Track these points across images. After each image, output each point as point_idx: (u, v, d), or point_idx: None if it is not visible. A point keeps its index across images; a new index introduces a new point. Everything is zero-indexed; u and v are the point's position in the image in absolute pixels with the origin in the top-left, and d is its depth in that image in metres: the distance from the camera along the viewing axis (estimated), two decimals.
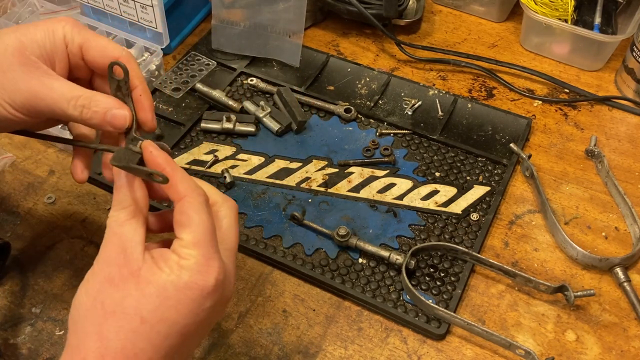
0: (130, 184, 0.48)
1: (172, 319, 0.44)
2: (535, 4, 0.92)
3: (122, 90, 0.51)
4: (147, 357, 0.43)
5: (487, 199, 0.77)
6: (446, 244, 0.71)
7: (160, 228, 0.52)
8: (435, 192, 0.77)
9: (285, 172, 0.79)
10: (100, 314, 0.44)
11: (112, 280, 0.44)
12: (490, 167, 0.80)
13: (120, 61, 0.49)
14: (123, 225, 0.46)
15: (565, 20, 0.92)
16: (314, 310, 0.68)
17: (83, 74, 0.55)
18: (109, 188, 0.77)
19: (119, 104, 0.51)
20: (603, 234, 0.75)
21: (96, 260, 0.46)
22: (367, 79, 0.91)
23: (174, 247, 0.46)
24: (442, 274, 0.70)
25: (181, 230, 0.46)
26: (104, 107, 0.50)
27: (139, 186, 0.48)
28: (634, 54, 0.86)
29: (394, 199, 0.77)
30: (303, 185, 0.78)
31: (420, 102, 0.88)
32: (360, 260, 0.71)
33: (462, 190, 0.78)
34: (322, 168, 0.80)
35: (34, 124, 0.56)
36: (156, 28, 0.87)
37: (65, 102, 0.50)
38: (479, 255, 0.70)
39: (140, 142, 0.50)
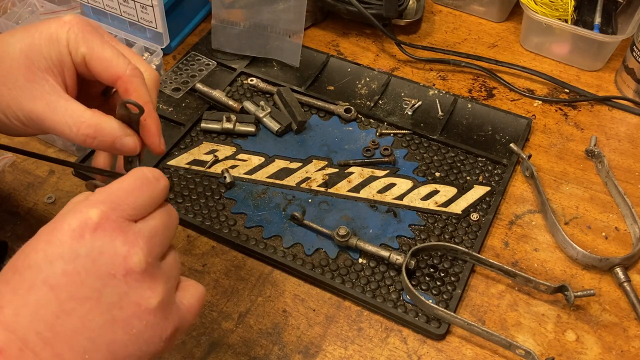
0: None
1: (37, 267, 0.39)
2: (535, 4, 0.92)
3: (131, 118, 0.48)
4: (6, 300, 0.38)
5: (487, 199, 0.77)
6: (446, 244, 0.71)
7: None
8: (435, 192, 0.77)
9: (285, 172, 0.79)
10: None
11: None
12: (490, 167, 0.80)
13: (134, 101, 0.46)
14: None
15: (565, 20, 0.92)
16: (314, 310, 0.68)
17: (94, 81, 0.51)
18: None
19: (127, 131, 0.48)
20: (603, 234, 0.75)
21: None
22: (367, 79, 0.91)
23: None
24: (442, 274, 0.70)
25: None
26: (112, 135, 0.48)
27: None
28: (634, 54, 0.86)
29: (394, 199, 0.77)
30: (303, 185, 0.78)
31: (420, 102, 0.88)
32: (360, 260, 0.71)
33: (462, 190, 0.78)
34: (322, 168, 0.80)
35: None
36: (156, 28, 0.87)
37: (67, 128, 0.47)
38: (479, 255, 0.70)
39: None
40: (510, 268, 0.68)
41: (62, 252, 0.39)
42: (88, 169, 0.51)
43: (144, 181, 0.44)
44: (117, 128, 0.48)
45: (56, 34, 0.49)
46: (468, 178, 0.79)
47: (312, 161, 0.81)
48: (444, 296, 0.68)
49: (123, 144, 0.48)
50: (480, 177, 0.79)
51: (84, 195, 0.44)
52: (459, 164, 0.81)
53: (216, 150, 0.82)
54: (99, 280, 0.40)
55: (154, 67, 0.89)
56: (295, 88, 0.89)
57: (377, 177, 0.79)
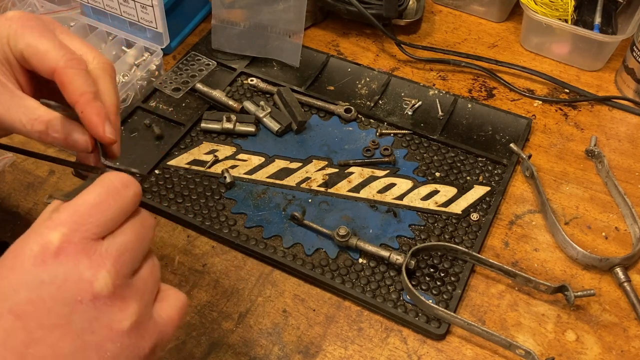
0: None
1: (2, 295, 0.38)
2: (535, 4, 0.92)
3: (69, 111, 0.47)
4: None
5: (487, 199, 0.77)
6: (446, 244, 0.71)
7: None
8: (435, 192, 0.77)
9: (285, 172, 0.79)
10: None
11: None
12: (490, 167, 0.80)
13: (44, 100, 0.45)
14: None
15: (565, 20, 0.92)
16: (314, 310, 0.68)
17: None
18: None
19: (75, 128, 0.47)
20: (603, 234, 0.75)
21: None
22: (367, 79, 0.91)
23: None
24: (442, 274, 0.70)
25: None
26: (64, 131, 0.46)
27: None
28: (634, 54, 0.86)
29: (394, 199, 0.77)
30: (303, 185, 0.78)
31: (420, 102, 0.88)
32: (360, 260, 0.71)
33: (462, 190, 0.78)
34: (322, 168, 0.80)
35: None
36: (156, 28, 0.87)
37: (22, 125, 0.47)
38: (479, 255, 0.70)
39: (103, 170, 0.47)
40: (510, 268, 0.68)
41: (26, 280, 0.38)
42: (87, 167, 0.50)
43: (110, 192, 0.41)
44: (68, 124, 0.47)
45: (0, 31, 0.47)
46: (468, 178, 0.79)
47: (312, 161, 0.81)
48: (444, 296, 0.68)
49: (75, 141, 0.47)
50: (480, 177, 0.79)
51: (51, 208, 0.42)
52: (459, 164, 0.81)
53: (216, 150, 0.82)
54: (66, 306, 0.38)
55: (154, 67, 0.89)
56: (295, 88, 0.89)
57: (377, 177, 0.79)
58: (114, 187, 0.42)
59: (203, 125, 0.83)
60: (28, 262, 0.38)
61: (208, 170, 0.79)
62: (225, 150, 0.82)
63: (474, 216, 0.75)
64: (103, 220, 0.40)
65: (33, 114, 0.46)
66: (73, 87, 0.46)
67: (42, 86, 0.51)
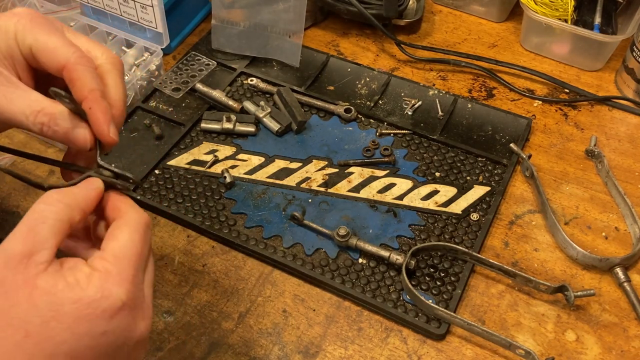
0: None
1: (61, 339, 0.39)
2: (535, 4, 0.92)
3: (77, 109, 0.46)
4: None
5: (487, 199, 0.77)
6: (446, 244, 0.71)
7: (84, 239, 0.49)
8: (435, 192, 0.77)
9: (285, 172, 0.79)
10: None
11: (3, 284, 0.40)
12: (490, 167, 0.80)
13: (55, 89, 0.44)
14: (45, 222, 0.43)
15: (565, 20, 0.92)
16: (314, 310, 0.68)
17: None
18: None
19: (77, 123, 0.47)
20: (603, 234, 0.75)
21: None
22: (367, 79, 0.91)
23: (91, 259, 0.43)
24: (442, 274, 0.70)
25: (107, 242, 0.43)
26: (65, 126, 0.46)
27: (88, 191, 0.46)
28: (634, 54, 0.86)
29: (394, 199, 0.77)
30: (303, 185, 0.78)
31: (420, 102, 0.88)
32: (360, 260, 0.71)
33: (462, 190, 0.78)
34: (322, 168, 0.80)
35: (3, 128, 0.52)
36: (156, 28, 0.87)
37: (24, 117, 0.46)
38: (479, 255, 0.70)
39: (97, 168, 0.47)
40: (510, 268, 0.68)
41: (91, 329, 0.40)
42: (79, 168, 0.50)
43: (142, 235, 0.45)
44: (70, 120, 0.46)
45: (5, 26, 0.47)
46: (468, 178, 0.79)
47: (312, 161, 0.81)
48: (444, 296, 0.68)
49: (75, 136, 0.47)
50: (480, 177, 0.79)
51: (47, 201, 0.44)
52: (459, 164, 0.81)
53: (216, 150, 0.82)
54: (115, 350, 0.42)
55: (154, 67, 0.89)
56: (295, 88, 0.89)
57: (377, 177, 0.79)
58: (144, 230, 0.45)
59: (203, 125, 0.83)
60: (96, 314, 0.40)
61: (208, 170, 0.79)
62: (225, 150, 0.82)
63: (474, 216, 0.75)
64: (144, 265, 0.44)
65: (38, 105, 0.46)
66: (82, 83, 0.46)
67: (41, 87, 0.50)
